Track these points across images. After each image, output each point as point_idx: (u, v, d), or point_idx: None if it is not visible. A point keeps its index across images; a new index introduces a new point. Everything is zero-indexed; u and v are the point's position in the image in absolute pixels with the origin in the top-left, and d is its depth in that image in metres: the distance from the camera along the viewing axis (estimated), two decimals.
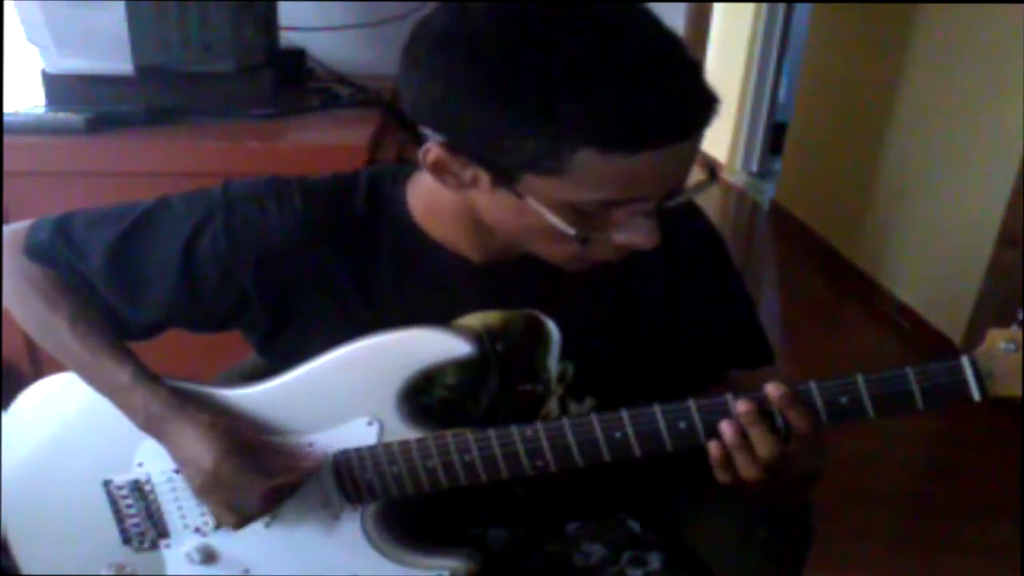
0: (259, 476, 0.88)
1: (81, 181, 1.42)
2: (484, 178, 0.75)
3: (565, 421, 0.84)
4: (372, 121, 1.62)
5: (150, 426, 0.91)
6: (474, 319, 0.90)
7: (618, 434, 0.82)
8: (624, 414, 0.82)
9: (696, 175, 0.76)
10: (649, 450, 0.82)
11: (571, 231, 0.74)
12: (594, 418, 0.83)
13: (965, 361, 0.74)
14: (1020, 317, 0.73)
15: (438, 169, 0.77)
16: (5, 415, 1.01)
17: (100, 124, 1.46)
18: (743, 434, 0.79)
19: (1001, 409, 2.30)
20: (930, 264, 3.03)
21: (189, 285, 0.88)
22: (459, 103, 0.71)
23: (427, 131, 0.75)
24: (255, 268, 0.87)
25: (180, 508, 0.97)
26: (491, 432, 0.86)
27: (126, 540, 0.99)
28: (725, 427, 0.79)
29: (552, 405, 0.94)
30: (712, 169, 0.80)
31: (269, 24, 1.76)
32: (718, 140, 5.01)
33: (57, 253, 0.91)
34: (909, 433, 2.43)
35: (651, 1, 0.73)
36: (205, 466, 0.87)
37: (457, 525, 1.04)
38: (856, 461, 2.15)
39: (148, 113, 1.52)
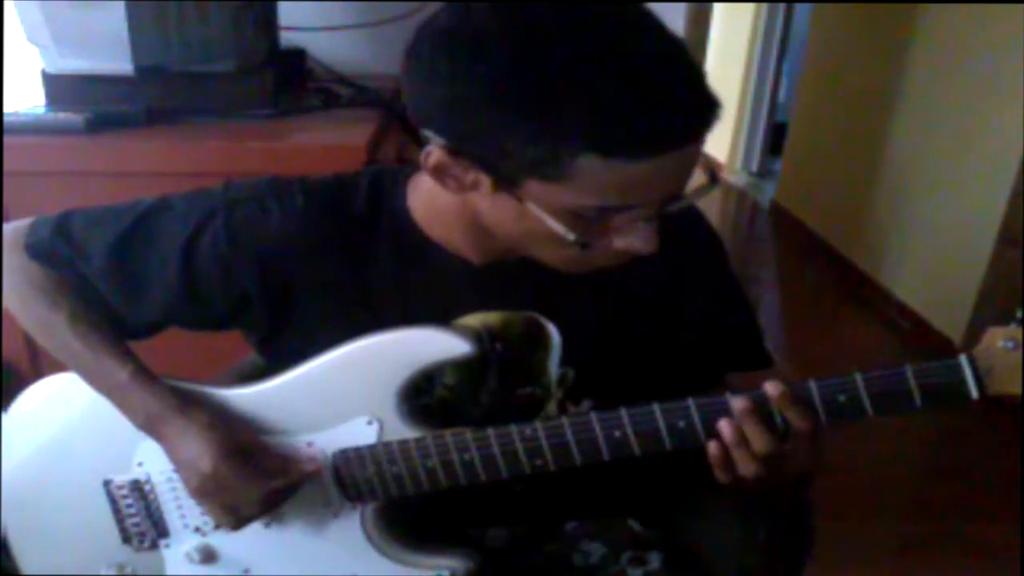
0: (257, 478, 0.88)
1: (81, 181, 1.42)
2: (485, 182, 0.75)
3: (564, 420, 0.84)
4: (372, 121, 1.62)
5: (149, 426, 0.91)
6: (474, 319, 0.90)
7: (617, 433, 0.82)
8: (623, 413, 0.82)
9: (697, 177, 0.76)
10: (648, 449, 0.82)
11: (571, 237, 0.74)
12: (593, 417, 0.83)
13: (963, 359, 0.74)
14: (1019, 316, 0.73)
15: (439, 172, 0.77)
16: (5, 415, 1.01)
17: (100, 124, 1.46)
18: (741, 431, 0.79)
19: (1001, 409, 2.31)
20: (930, 264, 3.03)
21: (189, 285, 0.88)
22: (462, 107, 0.71)
23: (429, 134, 0.75)
24: (255, 268, 0.87)
25: (180, 508, 0.97)
26: (490, 431, 0.86)
27: (126, 540, 1.00)
28: (723, 425, 0.79)
29: (551, 409, 0.94)
30: (713, 173, 0.80)
31: (269, 24, 1.76)
32: (718, 140, 5.01)
33: (57, 252, 0.91)
34: (909, 433, 2.42)
35: (651, 1, 0.73)
36: (203, 468, 0.87)
37: (457, 524, 1.04)
38: (856, 461, 2.15)
39: (148, 113, 1.52)
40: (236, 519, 0.90)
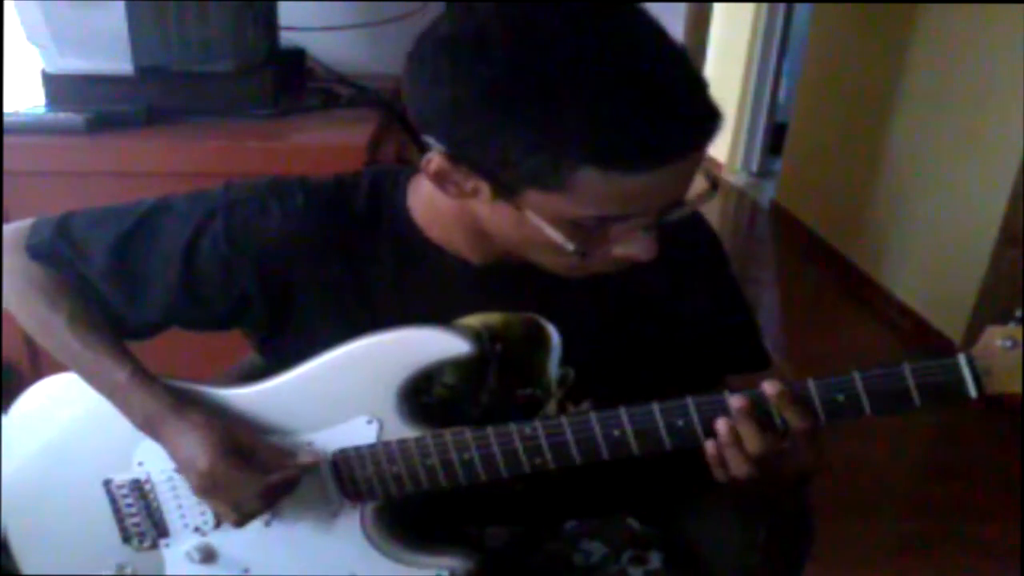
0: (255, 474, 0.88)
1: (81, 181, 1.42)
2: (485, 190, 0.75)
3: (564, 419, 0.84)
4: (372, 121, 1.62)
5: (148, 426, 0.91)
6: (474, 319, 0.90)
7: (616, 432, 0.82)
8: (622, 412, 0.82)
9: (698, 183, 0.77)
10: (647, 448, 0.82)
11: (570, 247, 0.75)
12: (592, 416, 0.83)
13: (962, 358, 0.74)
14: (1018, 315, 0.73)
15: (440, 179, 0.77)
16: (5, 416, 1.01)
17: (100, 124, 1.46)
18: (735, 431, 0.79)
19: (1000, 408, 2.30)
20: (930, 264, 3.03)
21: (190, 285, 0.89)
22: (463, 116, 0.71)
23: (430, 140, 0.75)
24: (256, 268, 0.88)
25: (180, 507, 0.98)
26: (490, 430, 0.86)
27: (126, 539, 1.00)
28: (720, 424, 0.79)
29: (551, 409, 0.94)
30: (714, 179, 0.80)
31: (269, 24, 1.76)
32: (718, 140, 4.95)
33: (58, 252, 0.91)
34: (909, 433, 2.42)
35: (651, 1, 0.73)
36: (201, 467, 0.88)
37: (456, 524, 1.04)
38: (856, 461, 2.15)
39: (148, 113, 1.52)
40: (239, 515, 0.91)
